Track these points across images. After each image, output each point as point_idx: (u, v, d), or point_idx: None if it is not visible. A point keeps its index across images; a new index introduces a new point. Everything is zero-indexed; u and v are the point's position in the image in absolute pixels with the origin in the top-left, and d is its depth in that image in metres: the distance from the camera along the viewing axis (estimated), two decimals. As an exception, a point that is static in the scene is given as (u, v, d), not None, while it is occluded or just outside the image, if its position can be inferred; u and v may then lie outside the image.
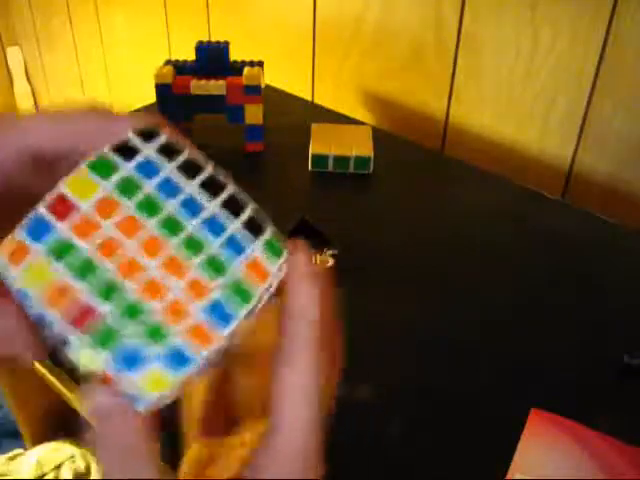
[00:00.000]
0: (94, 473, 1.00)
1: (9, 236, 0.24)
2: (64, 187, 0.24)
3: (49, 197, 0.24)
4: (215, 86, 0.84)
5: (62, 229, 0.24)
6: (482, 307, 0.66)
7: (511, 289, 0.68)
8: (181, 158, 0.25)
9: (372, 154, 0.84)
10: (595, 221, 0.77)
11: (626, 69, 0.78)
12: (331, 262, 0.68)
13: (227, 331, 0.24)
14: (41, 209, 0.24)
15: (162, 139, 0.25)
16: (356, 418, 0.55)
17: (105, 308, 0.23)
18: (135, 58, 1.45)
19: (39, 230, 0.24)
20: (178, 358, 0.24)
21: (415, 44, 0.95)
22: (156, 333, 0.24)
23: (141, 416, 0.23)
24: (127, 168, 0.24)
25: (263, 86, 0.86)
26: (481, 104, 0.92)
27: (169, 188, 0.24)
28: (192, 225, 0.24)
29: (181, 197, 0.24)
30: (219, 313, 0.24)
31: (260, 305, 0.25)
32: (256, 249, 0.25)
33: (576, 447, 0.52)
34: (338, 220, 0.76)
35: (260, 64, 0.90)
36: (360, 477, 0.51)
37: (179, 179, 0.25)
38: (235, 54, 0.89)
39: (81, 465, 1.01)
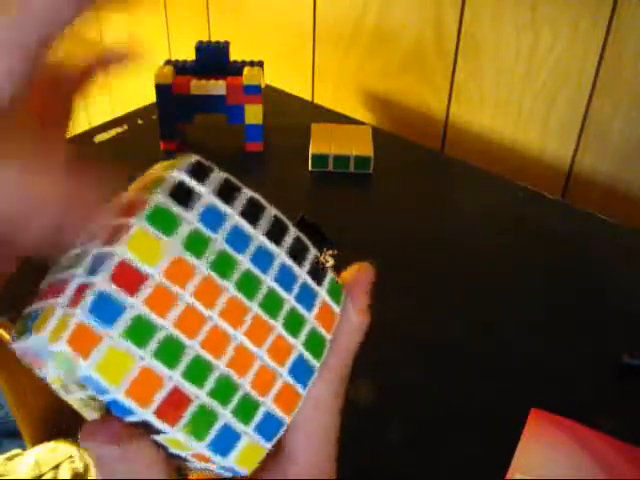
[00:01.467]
0: (92, 473, 1.00)
1: (60, 315, 0.20)
2: (125, 250, 0.20)
3: (112, 265, 0.20)
4: (215, 86, 0.84)
5: (135, 305, 0.20)
6: (482, 307, 0.66)
7: (511, 289, 0.68)
8: (242, 199, 0.22)
9: (372, 154, 0.84)
10: (595, 221, 0.77)
11: (626, 69, 0.78)
12: (331, 262, 0.68)
13: (309, 386, 0.23)
14: (102, 282, 0.20)
15: (218, 177, 0.22)
16: (355, 419, 0.55)
17: (196, 392, 0.21)
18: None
19: (108, 311, 0.19)
20: (271, 426, 0.22)
21: (415, 44, 0.95)
22: (248, 407, 0.22)
23: (154, 452, 0.21)
24: (190, 219, 0.21)
25: (263, 86, 0.86)
26: (481, 104, 0.92)
27: (238, 239, 0.22)
28: (267, 280, 0.22)
29: (252, 248, 0.22)
30: (302, 369, 0.23)
31: None
32: (323, 294, 0.24)
33: (576, 447, 0.52)
34: (338, 220, 0.76)
35: (260, 64, 0.90)
36: (360, 478, 0.51)
37: (245, 226, 0.22)
38: (235, 54, 0.89)
39: (80, 465, 1.01)
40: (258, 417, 0.22)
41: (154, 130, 0.88)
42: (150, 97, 0.89)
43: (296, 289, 0.23)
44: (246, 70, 0.84)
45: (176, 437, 0.20)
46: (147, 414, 0.20)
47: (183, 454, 0.21)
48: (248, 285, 0.22)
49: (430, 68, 0.95)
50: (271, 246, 0.23)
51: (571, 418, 0.53)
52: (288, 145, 0.90)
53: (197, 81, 0.84)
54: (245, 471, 0.22)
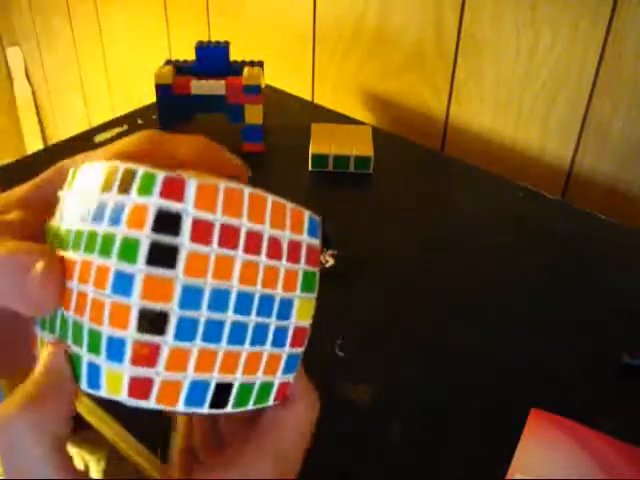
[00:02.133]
0: (92, 472, 1.00)
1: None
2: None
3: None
4: (215, 86, 0.84)
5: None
6: (482, 307, 0.66)
7: (511, 289, 0.68)
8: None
9: (372, 154, 0.84)
10: (595, 221, 0.77)
11: (626, 69, 0.78)
12: (331, 262, 0.68)
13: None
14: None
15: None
16: (356, 419, 0.55)
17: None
18: (135, 58, 1.45)
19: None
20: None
21: (415, 44, 0.95)
22: None
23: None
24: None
25: (263, 86, 0.86)
26: (481, 104, 0.92)
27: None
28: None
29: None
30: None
31: None
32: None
33: (576, 447, 0.52)
34: (338, 220, 0.76)
35: (260, 64, 0.90)
36: (359, 478, 0.51)
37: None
38: (235, 54, 0.89)
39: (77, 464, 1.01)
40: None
41: (154, 130, 0.88)
42: (150, 97, 0.89)
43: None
44: (246, 70, 0.84)
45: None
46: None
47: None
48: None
49: (430, 68, 0.95)
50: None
51: (571, 418, 0.53)
52: (288, 145, 0.90)
53: (197, 81, 0.84)
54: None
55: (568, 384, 0.58)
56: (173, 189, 0.22)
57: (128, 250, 0.21)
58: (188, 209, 0.22)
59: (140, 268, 0.21)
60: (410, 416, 0.55)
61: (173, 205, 0.22)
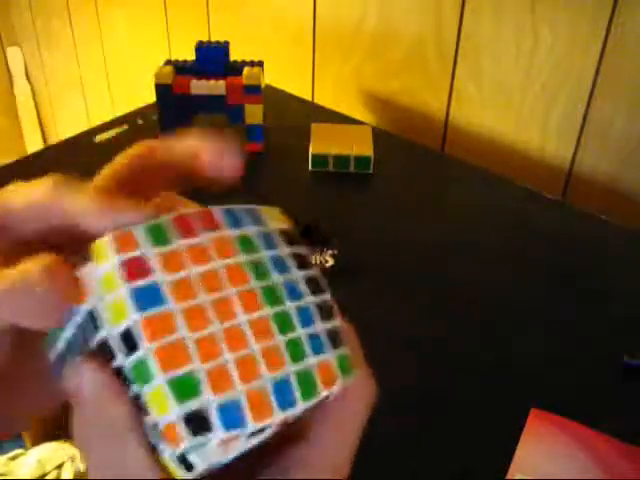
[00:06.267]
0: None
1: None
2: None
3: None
4: (215, 86, 0.84)
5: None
6: (482, 307, 0.66)
7: (511, 289, 0.68)
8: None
9: (372, 154, 0.84)
10: (595, 221, 0.77)
11: (626, 69, 0.78)
12: (331, 262, 0.68)
13: (285, 414, 0.23)
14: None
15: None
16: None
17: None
18: (135, 58, 1.45)
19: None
20: (233, 417, 0.22)
21: (415, 44, 0.95)
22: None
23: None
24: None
25: (263, 86, 0.86)
26: (481, 104, 0.92)
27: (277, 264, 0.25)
28: (289, 304, 0.24)
29: (285, 277, 0.25)
30: (285, 392, 0.23)
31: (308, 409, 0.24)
32: (331, 356, 0.25)
33: (576, 447, 0.52)
34: (338, 220, 0.76)
35: (260, 64, 0.90)
36: (359, 478, 0.51)
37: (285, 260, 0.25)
38: (235, 54, 0.89)
39: (81, 466, 1.01)
40: (226, 398, 0.22)
41: (154, 130, 0.88)
42: (150, 97, 0.89)
43: (309, 330, 0.24)
44: (246, 70, 0.84)
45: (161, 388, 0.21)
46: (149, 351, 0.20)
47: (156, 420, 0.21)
48: (270, 295, 0.24)
49: (430, 68, 0.95)
50: (304, 288, 0.25)
51: (571, 418, 0.53)
52: (288, 145, 0.90)
53: (197, 81, 0.84)
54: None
55: (568, 384, 0.58)
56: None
57: None
58: None
59: None
60: (410, 416, 0.55)
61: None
